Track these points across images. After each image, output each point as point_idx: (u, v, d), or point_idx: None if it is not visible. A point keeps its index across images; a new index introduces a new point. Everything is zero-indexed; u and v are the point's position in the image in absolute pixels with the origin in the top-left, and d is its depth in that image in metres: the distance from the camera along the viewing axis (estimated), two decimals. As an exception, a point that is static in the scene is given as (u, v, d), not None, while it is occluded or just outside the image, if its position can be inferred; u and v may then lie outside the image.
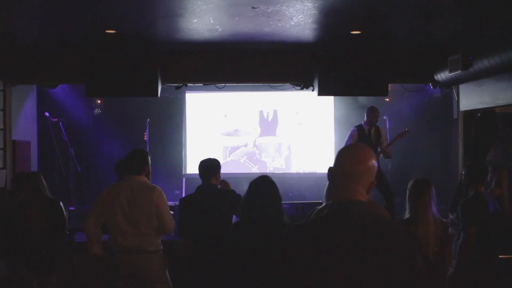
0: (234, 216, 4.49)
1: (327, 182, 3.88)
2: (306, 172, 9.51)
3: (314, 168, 9.48)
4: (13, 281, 4.93)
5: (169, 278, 4.31)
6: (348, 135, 7.76)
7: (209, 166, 4.60)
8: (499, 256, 4.61)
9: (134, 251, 4.12)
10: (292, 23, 5.59)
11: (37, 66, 7.35)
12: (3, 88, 7.30)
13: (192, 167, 9.07)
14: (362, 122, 7.73)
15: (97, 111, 9.57)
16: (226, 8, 5.09)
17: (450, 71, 6.71)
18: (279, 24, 5.66)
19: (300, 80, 7.69)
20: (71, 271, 5.60)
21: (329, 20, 5.58)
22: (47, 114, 8.58)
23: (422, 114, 9.40)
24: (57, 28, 5.94)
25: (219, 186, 4.67)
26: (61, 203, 5.22)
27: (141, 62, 7.11)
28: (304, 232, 2.03)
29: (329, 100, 9.41)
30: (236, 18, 5.42)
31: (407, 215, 4.06)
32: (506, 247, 4.67)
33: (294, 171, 9.53)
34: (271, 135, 9.57)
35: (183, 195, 8.64)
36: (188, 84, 8.00)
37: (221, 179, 4.70)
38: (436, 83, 7.61)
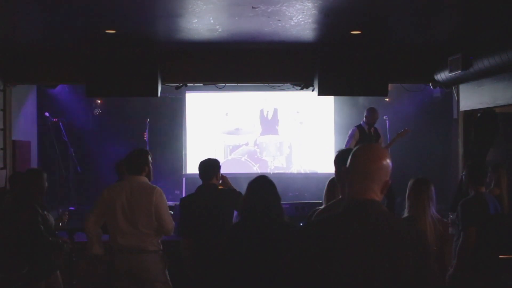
0: (234, 216, 4.49)
1: (327, 182, 3.90)
2: (307, 170, 9.51)
3: (315, 167, 9.48)
4: (13, 281, 4.91)
5: (169, 278, 4.31)
6: (348, 135, 7.76)
7: (209, 166, 4.61)
8: (499, 256, 4.61)
9: (134, 251, 4.12)
10: (292, 23, 5.59)
11: (37, 66, 7.35)
12: (3, 88, 7.31)
13: (192, 167, 9.07)
14: (362, 122, 7.74)
15: (97, 111, 9.57)
16: (226, 8, 5.09)
17: (450, 71, 6.71)
18: (279, 24, 5.66)
19: (300, 80, 7.69)
20: (71, 271, 5.59)
21: (329, 20, 5.58)
22: (47, 114, 8.58)
23: (422, 114, 9.41)
24: (57, 28, 5.93)
25: (220, 181, 4.68)
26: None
27: (141, 62, 7.11)
28: (320, 230, 2.05)
29: (330, 99, 9.42)
30: (236, 18, 5.42)
31: (405, 214, 4.07)
32: (506, 247, 4.68)
33: (295, 170, 9.54)
34: (272, 134, 9.58)
35: (183, 195, 8.65)
36: (188, 84, 8.00)
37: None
38: (436, 83, 7.61)
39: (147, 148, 8.37)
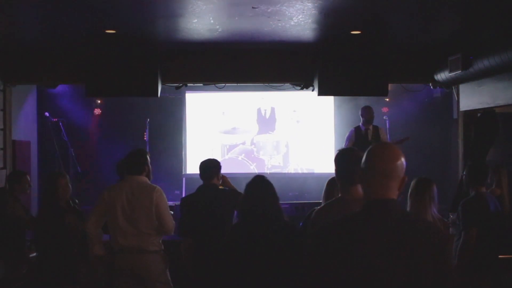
0: (234, 217, 4.50)
1: (326, 182, 3.90)
2: (304, 169, 9.51)
3: (312, 165, 9.48)
4: (13, 281, 4.92)
5: (169, 278, 4.31)
6: (346, 137, 7.81)
7: (210, 167, 4.62)
8: (499, 256, 4.62)
9: (135, 251, 4.12)
10: (292, 23, 5.59)
11: (37, 66, 7.35)
12: (3, 88, 7.30)
13: (192, 167, 9.07)
14: (360, 123, 7.77)
15: (97, 111, 9.57)
16: (226, 8, 5.09)
17: (450, 71, 6.71)
18: (279, 24, 5.66)
19: (300, 80, 7.69)
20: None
21: (329, 20, 5.58)
22: (47, 114, 8.57)
23: (422, 114, 9.40)
24: (57, 28, 5.93)
25: (220, 182, 4.68)
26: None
27: (141, 62, 7.11)
28: (341, 228, 2.06)
29: (328, 98, 9.41)
30: (236, 18, 5.42)
31: None
32: (506, 247, 4.68)
33: (292, 169, 9.54)
34: (269, 133, 9.58)
35: (183, 195, 8.64)
36: (188, 84, 8.00)
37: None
38: (436, 83, 7.61)
39: (147, 148, 8.37)
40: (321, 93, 7.34)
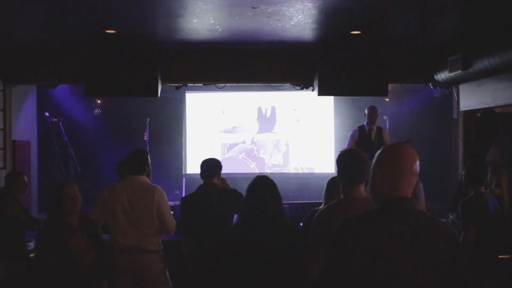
0: (235, 216, 4.49)
1: (327, 182, 3.89)
2: (304, 168, 9.51)
3: (312, 164, 9.49)
4: (13, 281, 4.91)
5: (169, 278, 4.31)
6: (349, 135, 7.79)
7: (211, 166, 4.61)
8: (499, 256, 4.61)
9: (135, 251, 4.12)
10: (292, 23, 5.59)
11: (37, 66, 7.35)
12: (3, 88, 7.31)
13: (192, 167, 9.07)
14: (364, 123, 7.76)
15: (97, 111, 9.56)
16: (226, 8, 5.09)
17: (450, 71, 6.71)
18: (279, 24, 5.66)
19: (300, 80, 7.70)
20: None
21: (329, 20, 5.58)
22: (47, 114, 8.57)
23: (422, 114, 9.41)
24: (57, 28, 5.93)
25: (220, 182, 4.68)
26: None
27: (141, 62, 7.11)
28: (359, 227, 2.08)
29: (328, 98, 9.41)
30: (236, 18, 5.42)
31: None
32: (506, 247, 4.68)
33: (292, 168, 9.54)
34: (269, 131, 9.58)
35: (183, 195, 8.64)
36: (188, 84, 8.00)
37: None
38: (436, 83, 7.61)
39: (147, 148, 8.36)
40: (321, 93, 7.34)
